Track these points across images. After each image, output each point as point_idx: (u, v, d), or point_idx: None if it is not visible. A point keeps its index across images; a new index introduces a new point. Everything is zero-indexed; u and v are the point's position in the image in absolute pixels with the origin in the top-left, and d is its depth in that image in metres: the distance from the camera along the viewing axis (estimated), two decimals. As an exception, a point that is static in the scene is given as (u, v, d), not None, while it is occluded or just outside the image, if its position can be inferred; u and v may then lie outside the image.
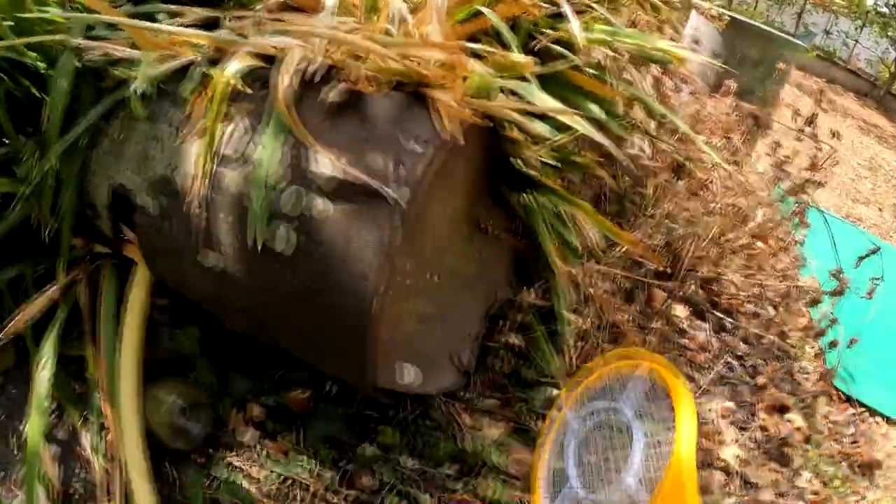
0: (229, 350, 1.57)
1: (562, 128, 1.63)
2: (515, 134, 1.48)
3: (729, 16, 2.65)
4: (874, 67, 10.47)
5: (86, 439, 1.53)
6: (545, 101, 1.36)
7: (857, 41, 10.52)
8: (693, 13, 2.87)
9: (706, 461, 1.70)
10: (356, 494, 1.44)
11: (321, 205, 1.15)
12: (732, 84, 2.03)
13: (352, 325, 1.14)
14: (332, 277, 1.13)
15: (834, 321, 1.80)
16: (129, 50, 1.45)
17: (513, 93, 1.47)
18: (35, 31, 1.54)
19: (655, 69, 2.02)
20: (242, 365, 1.57)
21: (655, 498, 0.62)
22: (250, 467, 1.46)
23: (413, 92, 1.28)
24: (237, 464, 1.47)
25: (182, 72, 1.43)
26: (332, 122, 1.22)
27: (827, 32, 10.74)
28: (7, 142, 1.59)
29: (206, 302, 1.41)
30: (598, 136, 1.36)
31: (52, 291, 1.54)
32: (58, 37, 1.44)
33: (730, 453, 1.71)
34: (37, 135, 1.56)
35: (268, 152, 1.21)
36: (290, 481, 1.44)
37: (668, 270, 1.73)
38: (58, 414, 1.59)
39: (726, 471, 1.68)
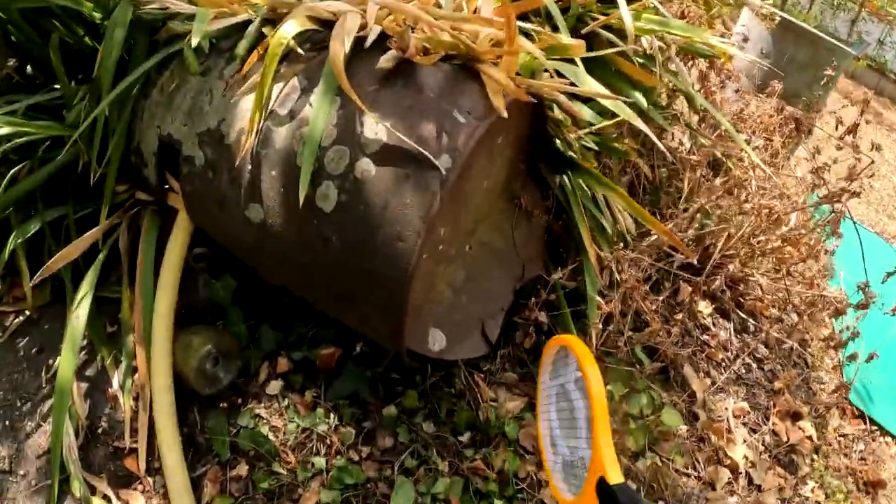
0: (262, 302, 1.64)
1: (604, 113, 1.68)
2: (558, 115, 1.53)
3: (780, 16, 2.65)
4: (927, 83, 10.20)
5: (115, 378, 1.61)
6: (591, 85, 1.40)
7: (911, 53, 10.28)
8: (745, 10, 2.87)
9: (713, 457, 1.75)
10: (374, 452, 1.51)
11: (366, 165, 1.20)
12: (778, 85, 2.05)
13: (388, 286, 1.19)
14: (371, 237, 1.18)
15: (855, 334, 1.83)
16: (185, 5, 1.51)
17: (559, 74, 1.52)
18: (93, -17, 1.61)
19: (702, 64, 2.05)
20: (274, 318, 1.64)
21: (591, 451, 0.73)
22: (273, 418, 1.54)
23: (463, 65, 1.33)
24: (261, 413, 1.54)
25: (237, 30, 1.49)
26: (382, 88, 1.27)
27: (881, 42, 10.50)
28: (58, 87, 1.66)
29: (245, 253, 1.48)
30: (640, 123, 1.40)
31: (93, 233, 1.62)
32: (117, -13, 1.50)
33: (739, 453, 1.75)
34: (88, 82, 1.64)
35: (319, 112, 1.27)
36: (311, 434, 1.51)
37: (697, 264, 1.77)
38: (88, 352, 1.68)
39: (733, 469, 1.73)
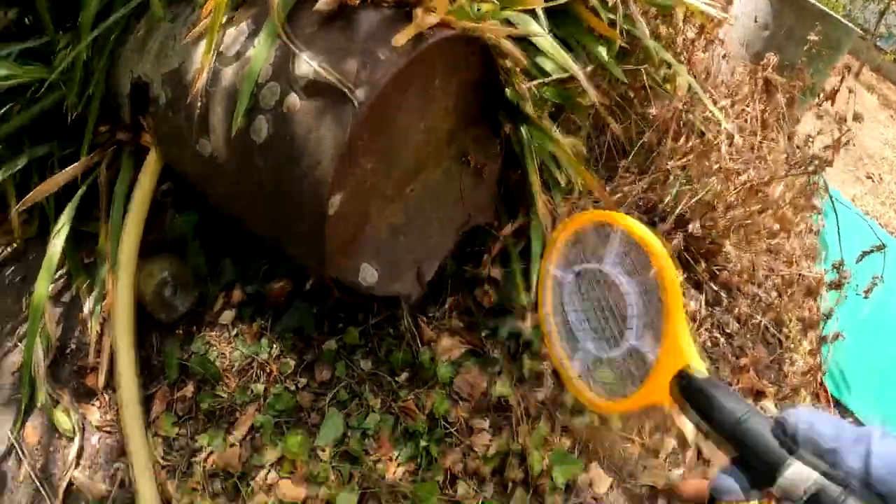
0: (222, 238, 1.87)
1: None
2: (508, 63, 1.69)
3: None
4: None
5: (87, 304, 1.88)
6: (529, 27, 1.55)
7: (942, 49, 9.97)
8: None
9: (660, 425, 1.86)
10: (311, 384, 1.72)
11: (293, 100, 1.40)
12: (774, 56, 2.10)
13: (309, 213, 1.39)
14: (295, 166, 1.38)
15: (829, 315, 1.89)
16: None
17: (509, 23, 1.68)
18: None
19: (692, 29, 2.15)
20: (234, 252, 1.87)
21: (662, 340, 0.66)
22: (222, 345, 1.76)
23: (404, 9, 1.51)
24: (212, 341, 1.77)
25: (206, -24, 1.72)
26: (320, 29, 1.47)
27: (911, 37, 10.31)
28: (46, 34, 1.94)
29: (202, 188, 1.71)
30: (575, 69, 1.53)
31: (72, 168, 1.88)
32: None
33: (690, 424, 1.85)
34: (73, 29, 1.91)
35: (259, 52, 1.48)
36: (252, 362, 1.73)
37: (656, 223, 1.88)
38: (66, 281, 1.95)
39: (681, 441, 1.83)
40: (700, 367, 0.64)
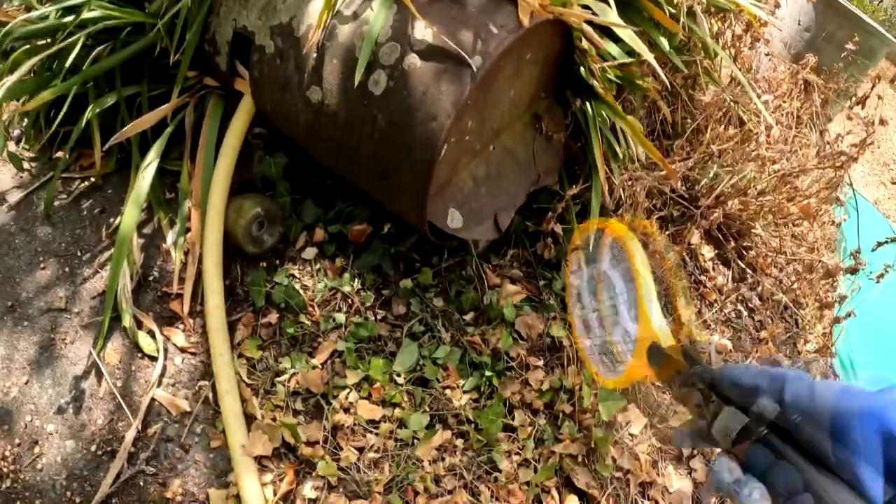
0: (308, 181, 2.34)
1: (631, 54, 2.35)
2: (585, 45, 2.20)
3: (822, -11, 3.27)
4: None
5: (169, 236, 2.32)
6: (610, 17, 2.07)
7: None
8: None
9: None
10: (388, 316, 2.20)
11: (413, 59, 1.89)
12: (812, 58, 2.66)
13: (420, 157, 1.87)
14: (411, 117, 1.86)
15: (843, 297, 2.44)
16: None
17: (589, 10, 2.20)
18: None
19: (739, 25, 2.70)
20: (317, 195, 2.34)
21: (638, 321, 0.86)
22: (305, 278, 2.23)
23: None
24: (295, 273, 2.24)
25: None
26: (435, 2, 1.97)
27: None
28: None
29: (300, 132, 2.17)
30: (647, 54, 2.05)
31: (166, 107, 2.33)
32: None
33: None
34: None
35: (378, 15, 1.96)
36: (336, 293, 2.20)
37: (695, 200, 2.40)
38: (146, 214, 2.39)
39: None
40: (667, 341, 0.79)
